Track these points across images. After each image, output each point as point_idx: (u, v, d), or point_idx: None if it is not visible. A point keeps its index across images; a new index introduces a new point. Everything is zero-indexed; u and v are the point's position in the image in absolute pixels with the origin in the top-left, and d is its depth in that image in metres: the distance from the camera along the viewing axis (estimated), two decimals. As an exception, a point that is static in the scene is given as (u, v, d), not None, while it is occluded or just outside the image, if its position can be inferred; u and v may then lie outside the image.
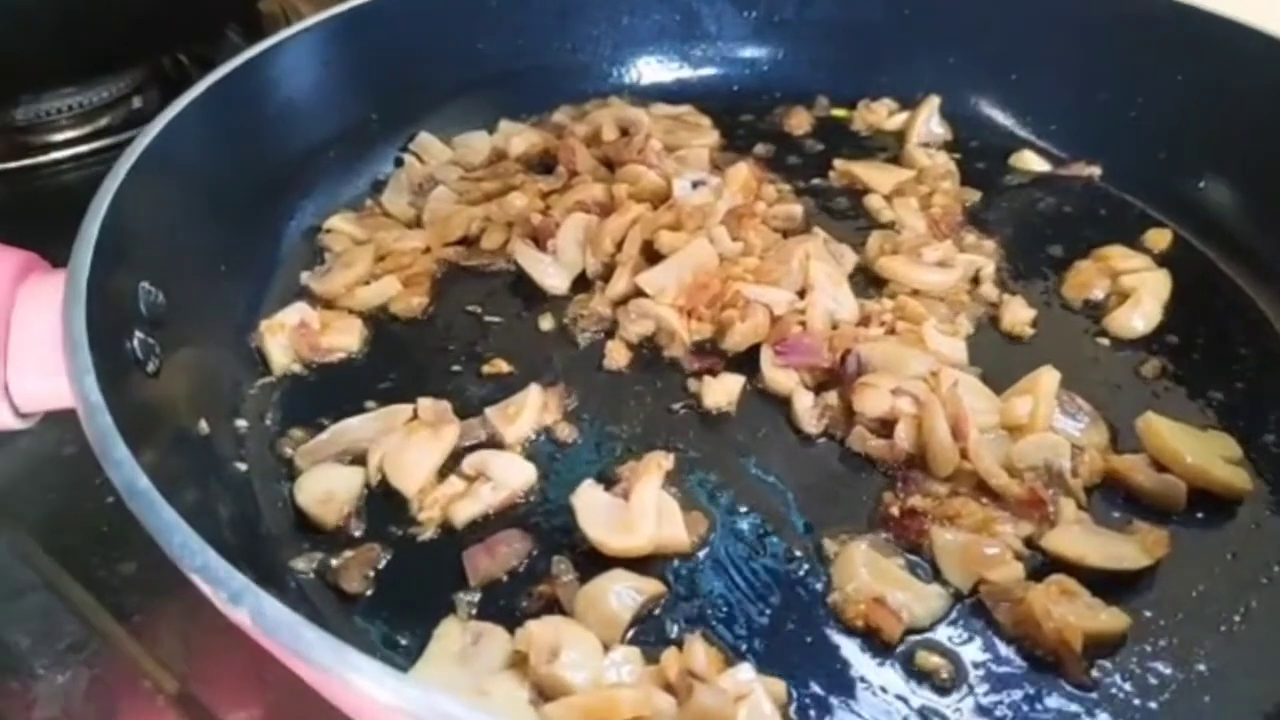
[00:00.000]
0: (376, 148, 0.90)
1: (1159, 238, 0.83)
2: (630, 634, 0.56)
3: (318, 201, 0.85)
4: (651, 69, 1.01)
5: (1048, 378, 0.65)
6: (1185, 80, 0.85)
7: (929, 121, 0.96)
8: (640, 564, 0.59)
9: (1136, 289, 0.76)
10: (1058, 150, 0.93)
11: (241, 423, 0.68)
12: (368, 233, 0.82)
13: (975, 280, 0.78)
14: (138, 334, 0.59)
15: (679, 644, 0.54)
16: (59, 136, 1.15)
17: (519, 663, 0.53)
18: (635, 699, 0.49)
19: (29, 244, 0.61)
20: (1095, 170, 0.90)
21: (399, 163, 0.91)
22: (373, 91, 0.89)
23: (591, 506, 0.60)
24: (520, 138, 0.93)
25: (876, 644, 0.55)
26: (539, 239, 0.81)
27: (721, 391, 0.68)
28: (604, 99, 0.99)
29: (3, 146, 1.13)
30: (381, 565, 0.60)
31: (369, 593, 0.59)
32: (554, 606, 0.57)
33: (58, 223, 1.00)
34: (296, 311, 0.74)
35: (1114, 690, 0.54)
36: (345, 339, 0.74)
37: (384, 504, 0.63)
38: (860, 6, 0.97)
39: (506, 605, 0.57)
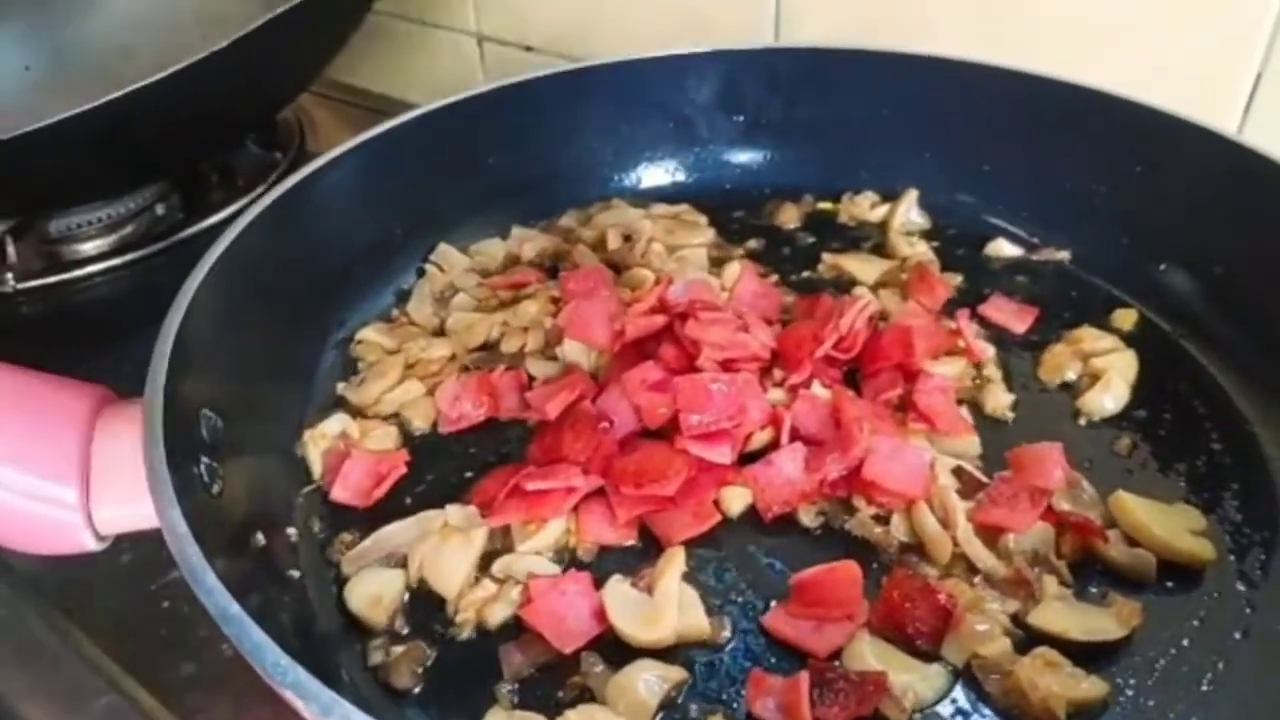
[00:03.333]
0: (400, 259, 0.97)
1: (1125, 318, 0.90)
2: (659, 718, 0.62)
3: (349, 314, 0.92)
4: (650, 173, 1.09)
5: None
6: (1143, 172, 0.92)
7: (909, 212, 1.03)
8: (664, 652, 0.65)
9: (1106, 371, 0.82)
10: (1029, 236, 1.00)
11: (291, 531, 0.74)
12: (397, 342, 0.89)
13: (978, 366, 0.84)
14: (204, 460, 0.65)
15: (703, 727, 0.60)
16: (87, 246, 1.22)
17: (561, 751, 0.59)
18: (667, 781, 0.55)
19: (64, 362, 0.67)
20: (1065, 255, 0.97)
21: (421, 273, 0.98)
22: (397, 206, 0.96)
23: (620, 601, 0.66)
24: (531, 243, 1.01)
25: (885, 723, 0.61)
26: (549, 343, 0.88)
27: (739, 498, 0.74)
28: (607, 201, 1.06)
29: (38, 262, 1.20)
30: (429, 662, 0.66)
31: (417, 689, 0.64)
32: (586, 694, 0.63)
33: (96, 338, 1.08)
34: (338, 422, 0.81)
35: (1098, 754, 0.60)
36: (383, 445, 0.80)
37: (425, 603, 0.69)
38: (841, 108, 1.05)
39: (544, 695, 0.63)
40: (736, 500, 0.74)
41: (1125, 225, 0.94)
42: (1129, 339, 0.88)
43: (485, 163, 1.02)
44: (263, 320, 0.81)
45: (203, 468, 0.64)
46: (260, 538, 0.69)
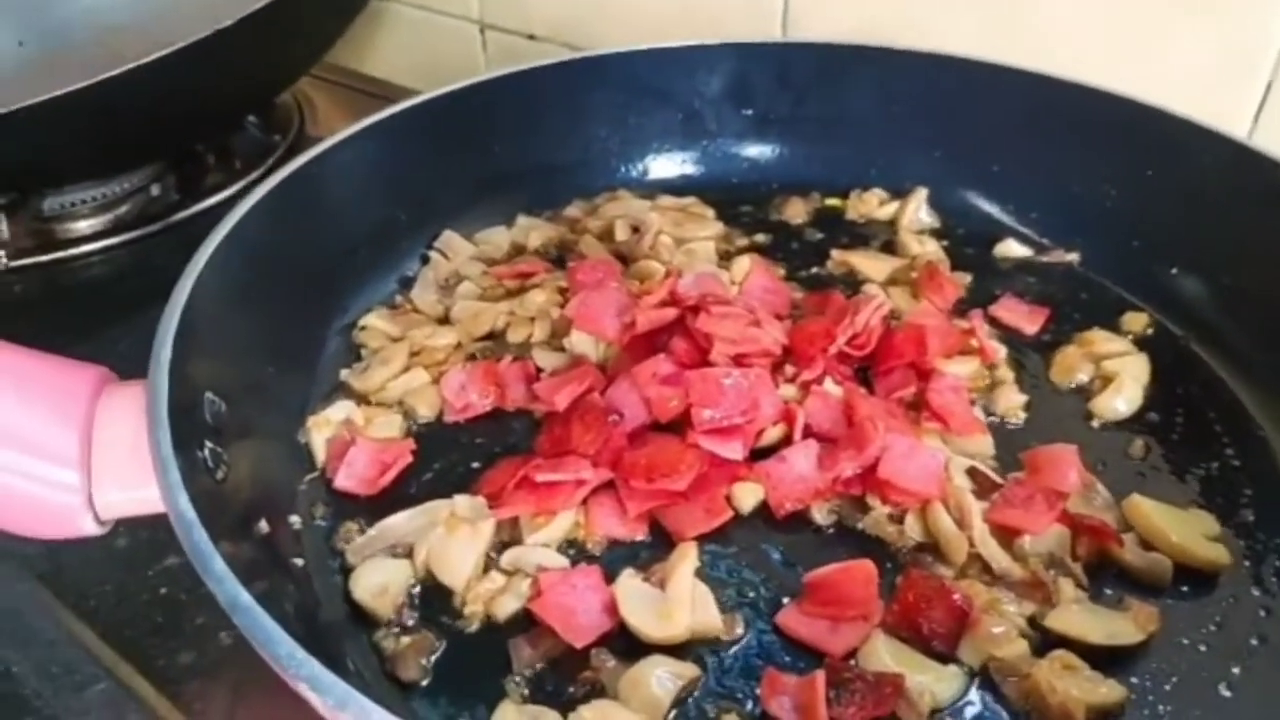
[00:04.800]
0: (404, 246, 0.96)
1: (1136, 320, 0.89)
2: (672, 715, 0.61)
3: (353, 300, 0.90)
4: (657, 164, 1.08)
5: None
6: (1154, 176, 0.92)
7: (918, 211, 1.02)
8: (676, 648, 0.64)
9: (1119, 373, 0.82)
10: (1039, 237, 0.99)
11: (295, 519, 0.72)
12: (401, 329, 0.87)
13: (990, 366, 0.83)
14: (207, 444, 0.63)
15: (718, 725, 0.59)
16: (81, 225, 1.20)
17: (573, 747, 0.58)
18: (684, 779, 0.54)
19: (57, 342, 0.65)
20: (1074, 256, 0.97)
21: (425, 260, 0.97)
22: (401, 192, 0.95)
23: (633, 596, 0.65)
24: (537, 232, 0.99)
25: (900, 725, 0.60)
26: (556, 334, 0.87)
27: (751, 494, 0.73)
28: (613, 192, 1.05)
29: (30, 240, 1.18)
30: (437, 654, 0.64)
31: (425, 681, 0.63)
32: (598, 689, 0.62)
33: (91, 318, 1.05)
34: (342, 409, 0.79)
35: (1115, 758, 0.59)
36: (388, 433, 0.79)
37: (432, 595, 0.68)
38: (850, 105, 1.04)
39: (555, 690, 0.62)
40: (748, 496, 0.73)
41: (1136, 227, 0.93)
42: (1139, 342, 0.87)
43: (490, 150, 1.00)
44: (266, 303, 0.79)
45: (206, 452, 0.63)
46: (264, 525, 0.67)
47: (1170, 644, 0.64)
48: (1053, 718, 0.60)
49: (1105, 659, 0.62)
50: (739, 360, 0.78)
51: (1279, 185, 0.82)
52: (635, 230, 0.98)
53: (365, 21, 1.27)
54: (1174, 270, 0.91)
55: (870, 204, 1.04)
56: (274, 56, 1.18)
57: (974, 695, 0.62)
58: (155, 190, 1.25)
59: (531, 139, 1.02)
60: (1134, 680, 0.62)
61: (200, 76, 1.01)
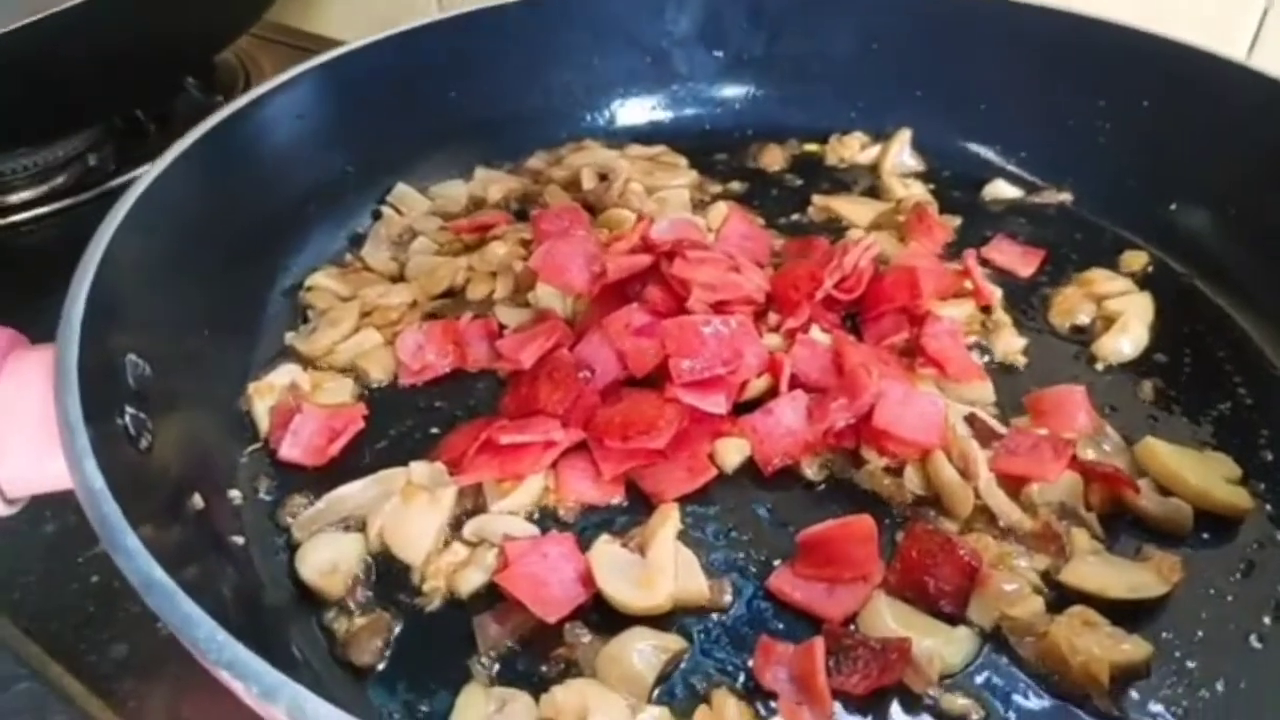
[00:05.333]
0: (353, 201, 0.89)
1: (1135, 260, 0.84)
2: (656, 693, 0.55)
3: (297, 259, 0.83)
4: (624, 111, 1.02)
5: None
6: (1150, 106, 0.87)
7: (901, 154, 0.97)
8: (659, 619, 0.58)
9: (1122, 313, 0.77)
10: (1029, 176, 0.94)
11: (235, 494, 0.66)
12: (351, 289, 0.81)
13: (986, 309, 0.78)
14: (128, 410, 0.57)
15: (708, 701, 0.53)
16: (15, 198, 1.13)
17: (546, 730, 0.52)
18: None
19: None
20: (1067, 196, 0.92)
21: (377, 215, 0.90)
22: (347, 144, 0.88)
23: (609, 563, 0.59)
24: (497, 185, 0.93)
25: (908, 694, 0.55)
26: (519, 288, 0.81)
27: (736, 450, 0.67)
28: (579, 142, 0.99)
29: (-39, 210, 1.10)
30: (393, 635, 0.58)
31: (380, 666, 0.57)
32: (574, 667, 0.56)
33: (21, 289, 0.98)
34: (286, 373, 0.73)
35: (1142, 719, 0.54)
36: (337, 399, 0.72)
37: (388, 570, 0.62)
38: (828, 42, 0.98)
39: (526, 670, 0.56)
40: (733, 453, 0.67)
41: (1132, 163, 0.88)
42: (1140, 282, 0.82)
43: (445, 98, 0.93)
44: (198, 264, 0.72)
45: (128, 419, 0.56)
46: (198, 500, 0.61)
47: (1194, 595, 0.59)
48: (1075, 679, 0.54)
49: (1125, 614, 0.57)
50: (719, 308, 0.72)
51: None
52: (603, 179, 0.91)
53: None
54: (1174, 206, 0.86)
55: (851, 148, 0.99)
56: (204, 8, 1.09)
57: (988, 658, 0.56)
58: (93, 160, 1.18)
59: (490, 85, 0.95)
60: (1156, 635, 0.57)
61: (123, 27, 0.94)
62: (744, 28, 0.99)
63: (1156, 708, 0.54)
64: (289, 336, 0.77)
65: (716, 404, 0.67)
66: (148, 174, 0.68)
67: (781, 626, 0.58)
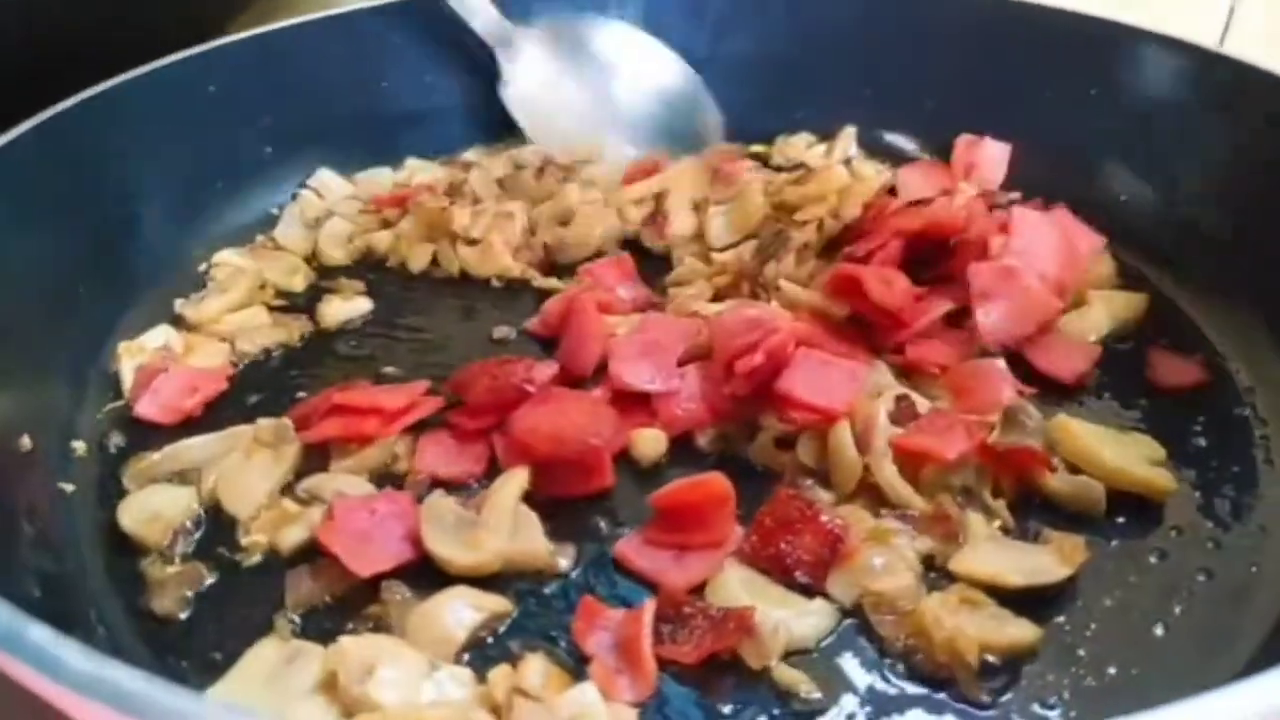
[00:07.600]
0: (269, 181, 0.87)
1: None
2: (468, 657, 0.49)
3: (201, 230, 0.81)
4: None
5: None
6: (1098, 95, 0.82)
7: (848, 152, 0.93)
8: (489, 581, 0.53)
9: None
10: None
11: (79, 444, 0.62)
12: (255, 266, 0.78)
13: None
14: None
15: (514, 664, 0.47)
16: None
17: (332, 684, 0.46)
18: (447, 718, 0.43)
19: None
20: (1015, 195, 0.86)
21: (295, 198, 0.87)
22: (267, 124, 0.86)
23: (437, 517, 0.54)
24: (425, 174, 0.90)
25: (744, 668, 0.48)
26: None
27: (652, 440, 0.61)
28: (519, 140, 0.96)
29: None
30: (203, 587, 0.54)
31: (183, 615, 0.52)
32: (383, 626, 0.51)
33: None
34: (160, 334, 0.70)
35: (1012, 708, 0.47)
36: (209, 363, 0.69)
37: (215, 524, 0.58)
38: (774, 41, 0.95)
39: (333, 628, 0.51)
40: (650, 444, 0.61)
41: (1082, 155, 0.83)
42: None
43: (378, 85, 0.92)
44: (70, 215, 0.70)
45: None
46: (26, 440, 0.57)
47: (1100, 581, 0.53)
48: (938, 659, 0.48)
49: (1026, 602, 0.51)
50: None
51: (1247, 90, 0.72)
52: (540, 172, 0.88)
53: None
54: (1124, 198, 0.81)
55: (797, 147, 0.95)
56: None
57: (844, 635, 0.50)
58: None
59: (426, 74, 0.93)
60: (1050, 619, 0.50)
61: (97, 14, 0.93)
62: (687, 26, 0.96)
63: (1030, 694, 0.47)
64: (179, 303, 0.75)
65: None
66: (17, 127, 0.67)
67: (623, 595, 0.53)
